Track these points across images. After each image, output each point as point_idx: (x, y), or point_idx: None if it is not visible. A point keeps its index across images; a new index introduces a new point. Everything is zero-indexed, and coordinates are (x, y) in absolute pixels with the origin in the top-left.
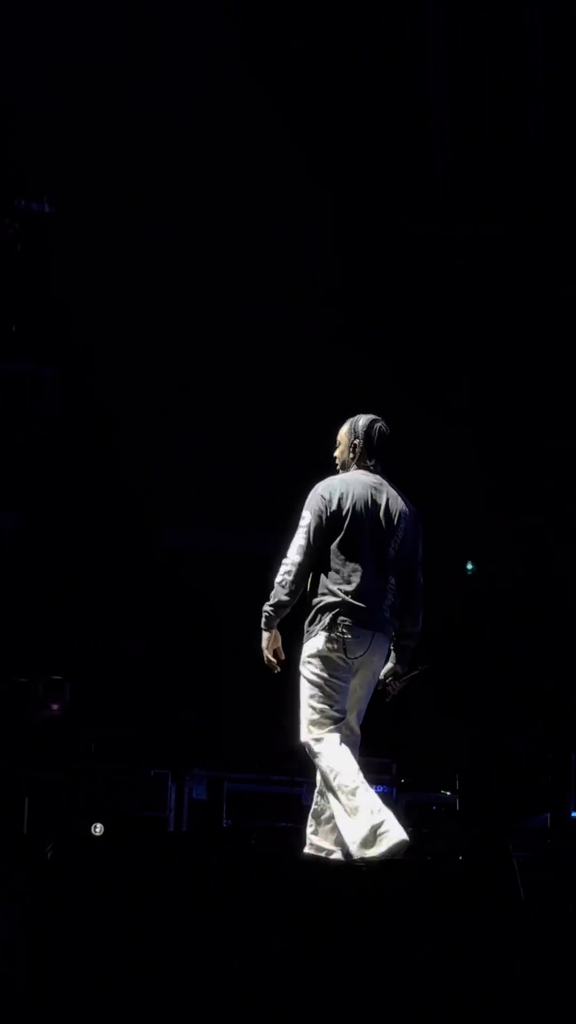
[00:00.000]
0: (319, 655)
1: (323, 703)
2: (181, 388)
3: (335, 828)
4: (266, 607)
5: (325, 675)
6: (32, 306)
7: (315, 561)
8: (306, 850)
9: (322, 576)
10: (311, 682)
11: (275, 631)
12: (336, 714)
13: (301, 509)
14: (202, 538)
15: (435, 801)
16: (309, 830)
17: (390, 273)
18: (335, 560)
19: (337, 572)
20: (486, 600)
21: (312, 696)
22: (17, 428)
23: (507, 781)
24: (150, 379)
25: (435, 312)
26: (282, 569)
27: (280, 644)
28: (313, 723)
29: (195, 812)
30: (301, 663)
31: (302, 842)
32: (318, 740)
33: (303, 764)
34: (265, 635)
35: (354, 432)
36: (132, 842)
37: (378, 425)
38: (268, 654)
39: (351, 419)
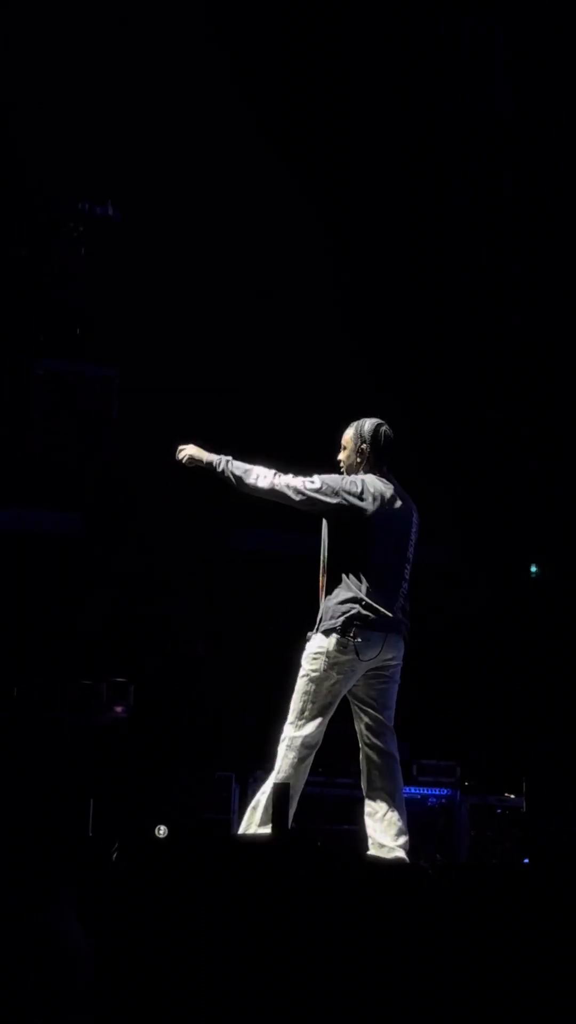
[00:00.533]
0: (327, 655)
1: (316, 702)
2: (241, 385)
3: (391, 822)
4: (238, 467)
5: (326, 677)
6: (95, 308)
7: (336, 557)
8: (370, 852)
9: (341, 577)
10: (311, 679)
11: (198, 461)
12: (324, 717)
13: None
14: (268, 539)
15: (500, 804)
16: (369, 830)
17: None
18: (354, 562)
19: (355, 574)
20: (550, 601)
21: (307, 693)
22: (79, 429)
23: (574, 783)
24: (209, 377)
25: None
26: (288, 486)
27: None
28: (300, 717)
29: None
30: (305, 657)
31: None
32: (295, 742)
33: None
34: (198, 457)
35: (360, 436)
36: (196, 845)
37: (383, 428)
38: (183, 458)
39: (355, 423)
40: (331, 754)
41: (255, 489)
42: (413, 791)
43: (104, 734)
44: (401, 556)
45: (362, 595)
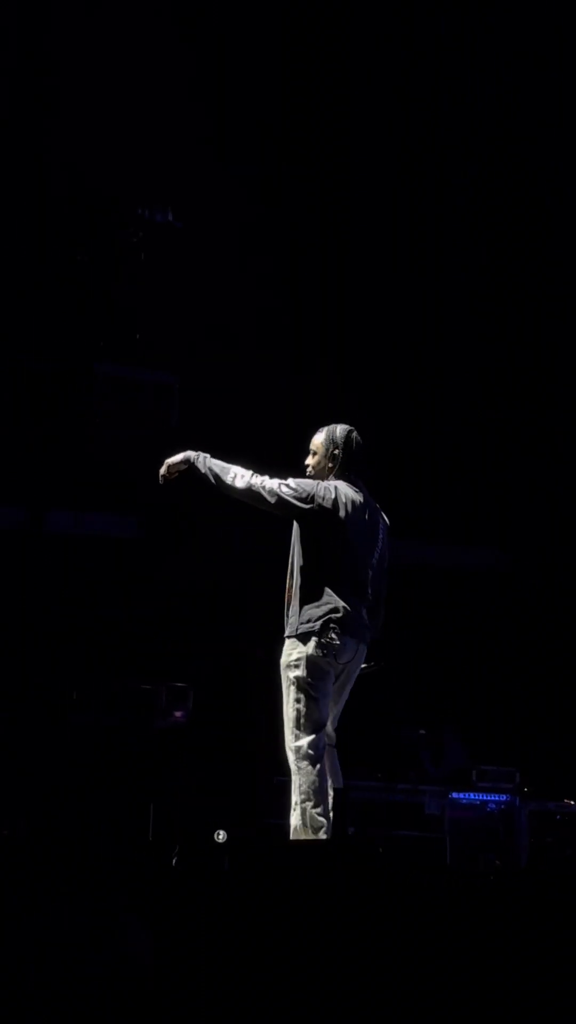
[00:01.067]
0: (308, 660)
1: (309, 707)
2: (307, 391)
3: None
4: (216, 466)
5: (312, 680)
6: (154, 313)
7: (309, 560)
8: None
9: (313, 581)
10: (298, 687)
11: (178, 464)
12: (321, 719)
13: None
14: None
15: (560, 810)
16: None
17: None
18: (327, 567)
19: (329, 579)
20: None
21: (299, 700)
22: (138, 434)
23: None
24: (271, 383)
25: None
26: (263, 487)
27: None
28: (299, 727)
29: None
30: (286, 667)
31: (425, 852)
32: (302, 751)
33: (423, 772)
34: (183, 462)
35: (333, 442)
36: (255, 849)
37: (354, 435)
38: (168, 470)
39: (326, 428)
40: (389, 760)
41: (231, 488)
42: (472, 797)
43: (163, 739)
44: (367, 562)
45: (338, 599)
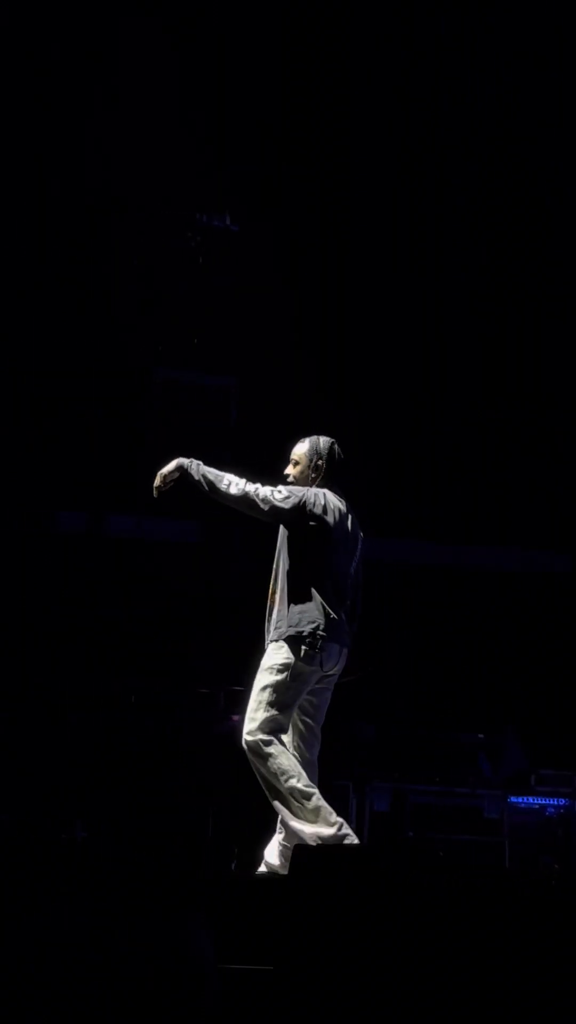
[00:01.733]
0: (291, 666)
1: (278, 711)
2: (365, 393)
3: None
4: (210, 475)
5: (292, 685)
6: (212, 318)
7: (296, 568)
8: (260, 868)
9: (300, 586)
10: (274, 688)
11: (171, 473)
12: (284, 725)
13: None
14: (389, 549)
15: None
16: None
17: None
18: (315, 573)
19: (317, 586)
20: None
21: (272, 703)
22: (197, 438)
23: None
24: (329, 384)
25: None
26: (256, 495)
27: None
28: (262, 727)
29: (375, 824)
30: (268, 668)
31: (484, 856)
32: (267, 743)
33: (482, 776)
34: (176, 469)
35: (317, 452)
36: (315, 853)
37: (336, 447)
38: (162, 481)
39: (309, 439)
40: (448, 764)
41: (225, 496)
42: (531, 801)
43: (221, 742)
44: (347, 570)
45: (324, 605)
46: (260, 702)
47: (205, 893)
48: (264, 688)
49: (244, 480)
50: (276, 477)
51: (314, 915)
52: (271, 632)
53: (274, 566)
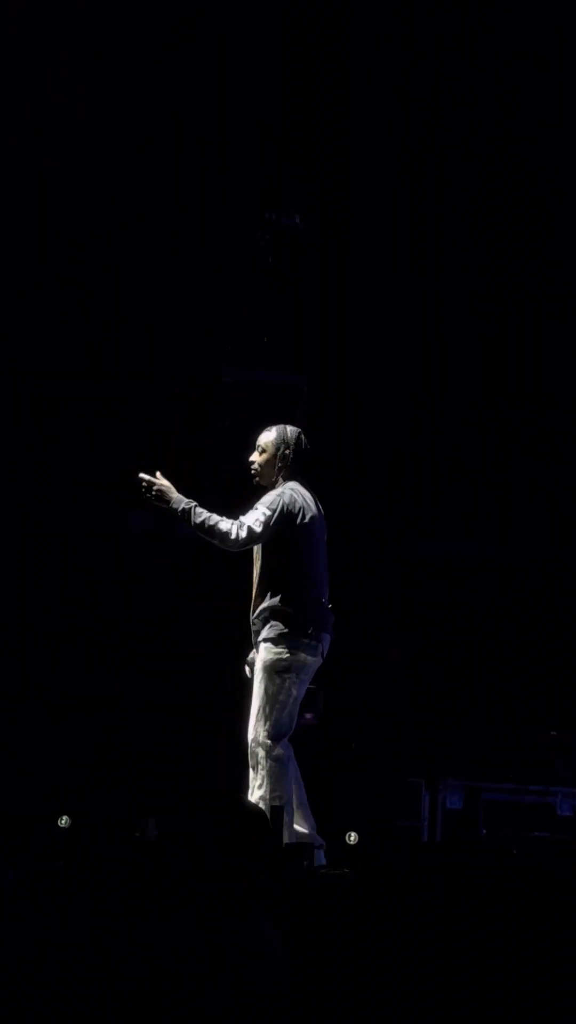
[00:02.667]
0: (294, 662)
1: (289, 718)
2: (429, 392)
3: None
4: (192, 513)
5: (296, 682)
6: (282, 317)
7: (282, 563)
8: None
9: (288, 582)
10: (281, 688)
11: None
12: (291, 725)
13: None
14: (457, 547)
15: None
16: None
17: None
18: (299, 567)
19: (306, 579)
20: None
21: (282, 704)
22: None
23: None
24: (399, 383)
25: None
26: (231, 534)
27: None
28: (270, 732)
29: (448, 822)
30: (270, 668)
31: (557, 854)
32: (272, 749)
33: (557, 773)
34: (167, 502)
35: (285, 442)
36: (387, 851)
37: (303, 438)
38: (153, 496)
39: (276, 427)
40: (523, 761)
41: (211, 538)
42: None
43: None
44: (325, 560)
45: (314, 597)
46: (267, 704)
47: (276, 893)
48: (269, 689)
49: (230, 521)
50: (342, 474)
51: (387, 913)
52: (264, 630)
53: (255, 563)
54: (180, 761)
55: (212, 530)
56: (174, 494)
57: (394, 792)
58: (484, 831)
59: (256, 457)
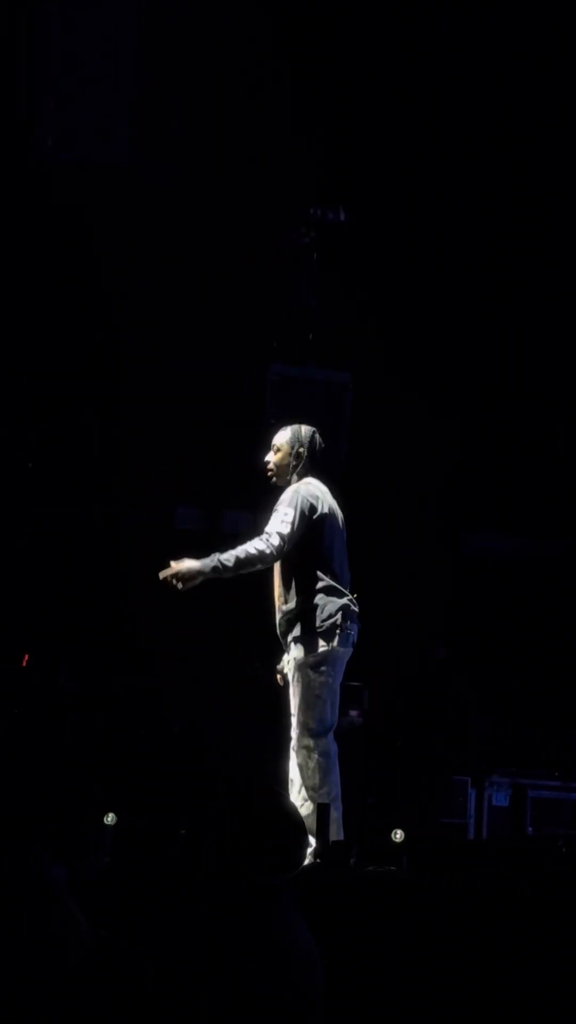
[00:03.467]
0: (329, 656)
1: (329, 712)
2: (475, 388)
3: None
4: (222, 561)
5: (335, 676)
6: (327, 313)
7: (304, 559)
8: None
9: (314, 578)
10: (322, 685)
11: (192, 578)
12: (335, 720)
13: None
14: (503, 543)
15: None
16: None
17: None
18: (324, 561)
19: (329, 572)
20: None
21: (323, 705)
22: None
23: None
24: (443, 381)
25: None
26: (261, 552)
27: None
28: (320, 730)
29: (494, 819)
30: (307, 666)
31: None
32: (322, 747)
33: None
34: (196, 571)
35: (298, 440)
36: (433, 848)
37: (318, 436)
38: (179, 582)
39: (290, 427)
40: (569, 758)
41: (252, 565)
42: None
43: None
44: (345, 553)
45: (343, 591)
46: (309, 701)
47: (324, 890)
48: (309, 686)
49: (255, 548)
50: (385, 471)
51: (431, 910)
52: (294, 630)
53: (276, 564)
54: (222, 758)
55: (248, 560)
56: (195, 564)
57: (440, 790)
58: (531, 829)
59: (271, 457)
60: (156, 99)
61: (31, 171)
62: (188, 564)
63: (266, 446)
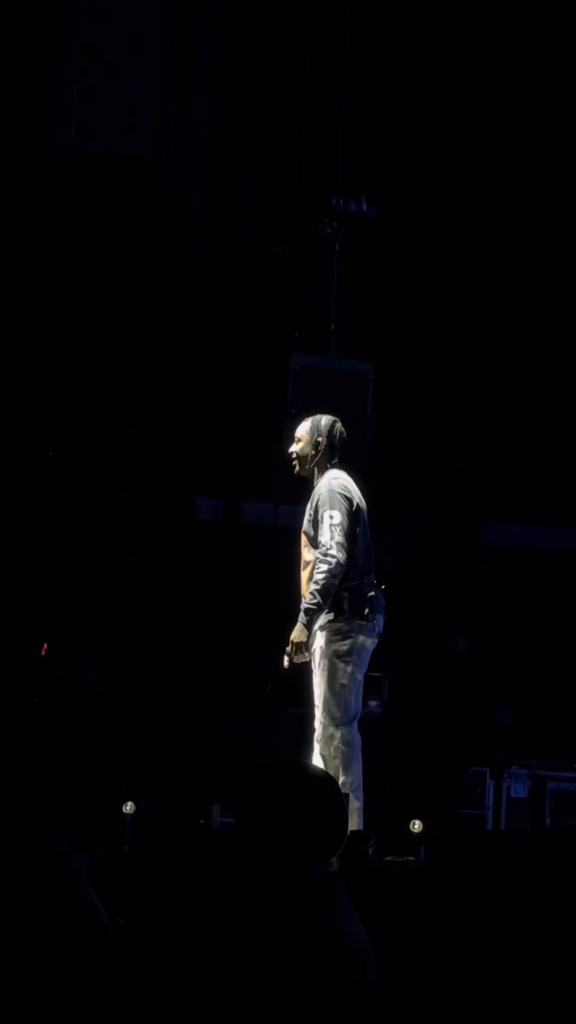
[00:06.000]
0: (361, 647)
1: (356, 701)
2: (497, 376)
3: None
4: (312, 603)
5: (360, 665)
6: (350, 304)
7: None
8: None
9: (350, 567)
10: (351, 674)
11: (303, 644)
12: (359, 708)
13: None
14: (522, 535)
15: None
16: None
17: None
18: (357, 553)
19: (358, 563)
20: None
21: (348, 695)
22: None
23: None
24: (462, 373)
25: None
26: (329, 568)
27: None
28: (345, 719)
29: (513, 811)
30: (334, 655)
31: None
32: (347, 737)
33: None
34: (303, 630)
35: (318, 430)
36: (451, 839)
37: (338, 425)
38: (304, 654)
39: (311, 418)
40: None
41: (332, 588)
42: None
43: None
44: (372, 543)
45: (369, 579)
46: (335, 690)
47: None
48: (335, 675)
49: (323, 574)
50: (407, 461)
51: (449, 901)
52: (321, 618)
53: (304, 555)
54: (245, 748)
55: (326, 587)
56: (296, 629)
57: (458, 781)
58: (549, 820)
59: (294, 448)
60: (180, 91)
61: (55, 162)
62: (293, 634)
63: (289, 437)
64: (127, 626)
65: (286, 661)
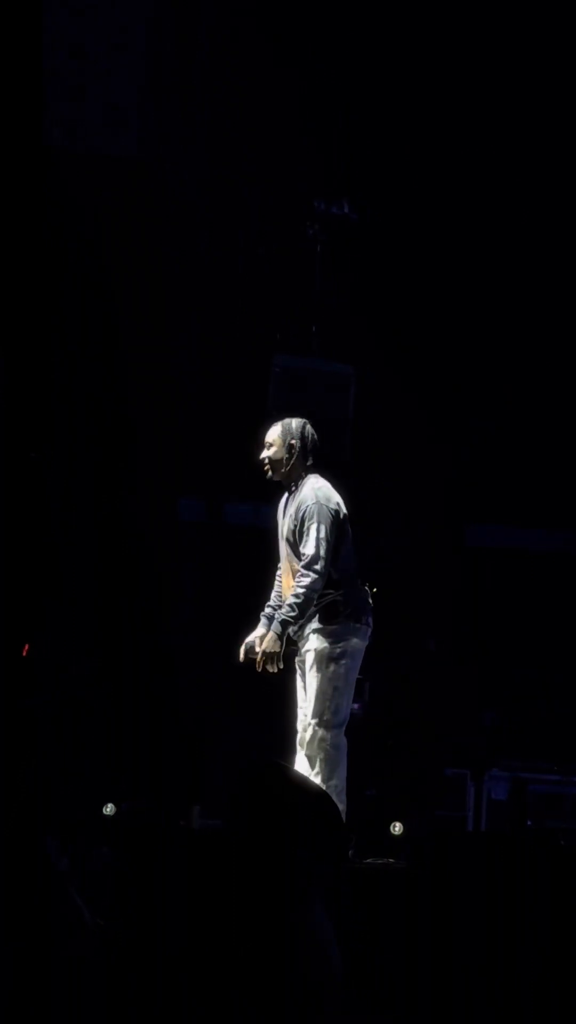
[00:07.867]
0: (354, 650)
1: (347, 705)
2: (479, 379)
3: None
4: (290, 615)
5: (352, 670)
6: (331, 305)
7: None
8: None
9: (340, 571)
10: (343, 678)
11: (276, 650)
12: (348, 714)
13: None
14: (506, 535)
15: None
16: None
17: None
18: (344, 556)
19: (348, 568)
20: None
21: (340, 698)
22: (315, 426)
23: None
24: (447, 373)
25: None
26: (311, 582)
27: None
28: (335, 723)
29: (493, 813)
30: (326, 658)
31: None
32: (335, 740)
33: None
34: (277, 641)
35: (290, 434)
36: (428, 841)
37: (309, 427)
38: (274, 663)
39: (280, 422)
40: (569, 752)
41: (312, 601)
42: None
43: None
44: (353, 547)
45: (359, 583)
46: (326, 692)
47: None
48: (328, 677)
49: (308, 587)
50: (388, 463)
51: (433, 903)
52: (313, 621)
53: (287, 560)
54: (229, 749)
55: (306, 600)
56: (269, 637)
57: (439, 783)
58: (530, 822)
59: (266, 453)
60: (164, 91)
61: (38, 162)
62: (266, 643)
63: (260, 443)
64: (112, 626)
65: (258, 667)
